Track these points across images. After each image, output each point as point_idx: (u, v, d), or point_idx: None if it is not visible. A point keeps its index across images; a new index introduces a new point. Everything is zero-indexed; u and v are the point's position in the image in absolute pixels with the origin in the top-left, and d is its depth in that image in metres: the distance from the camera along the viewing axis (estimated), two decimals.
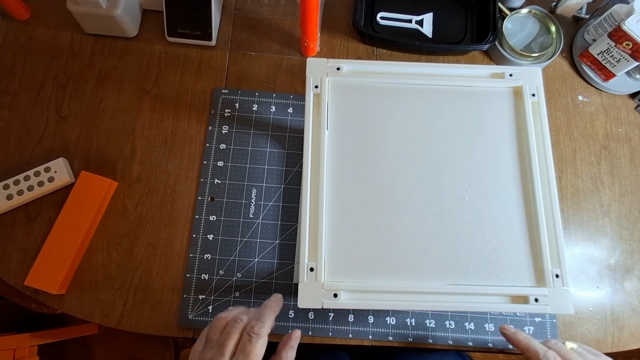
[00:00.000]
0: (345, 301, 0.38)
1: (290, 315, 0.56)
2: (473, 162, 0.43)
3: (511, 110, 0.45)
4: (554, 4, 0.70)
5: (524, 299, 0.39)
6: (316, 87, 0.43)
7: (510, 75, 0.45)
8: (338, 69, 0.44)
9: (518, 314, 0.52)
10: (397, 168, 0.43)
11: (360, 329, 0.55)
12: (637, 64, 0.62)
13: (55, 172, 0.58)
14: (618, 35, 0.61)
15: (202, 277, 0.57)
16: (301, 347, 0.67)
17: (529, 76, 0.45)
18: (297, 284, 0.57)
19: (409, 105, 0.44)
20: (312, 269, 0.39)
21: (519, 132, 0.44)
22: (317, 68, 0.44)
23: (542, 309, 0.39)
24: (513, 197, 0.43)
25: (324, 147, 0.42)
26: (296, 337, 0.41)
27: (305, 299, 0.38)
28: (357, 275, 0.40)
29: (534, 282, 0.40)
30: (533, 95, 0.45)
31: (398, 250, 0.41)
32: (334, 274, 0.40)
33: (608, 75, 0.66)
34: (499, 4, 0.67)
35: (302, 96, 0.65)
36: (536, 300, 0.39)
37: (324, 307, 0.38)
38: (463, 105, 0.45)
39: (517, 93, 0.45)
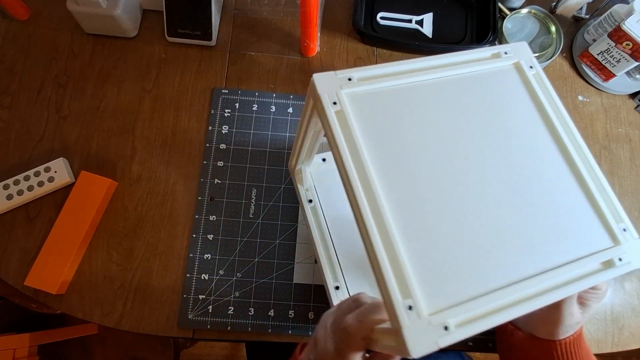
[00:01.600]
0: (459, 331, 0.33)
1: (290, 315, 0.56)
2: (511, 142, 0.42)
3: (521, 84, 0.45)
4: (554, 4, 0.70)
5: (610, 263, 0.38)
6: (334, 103, 0.40)
7: (506, 53, 0.45)
8: (349, 79, 0.41)
9: None
10: (447, 165, 0.40)
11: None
12: (637, 64, 0.62)
13: (55, 172, 0.58)
14: (618, 35, 0.61)
15: (202, 277, 0.57)
16: (295, 347, 0.67)
17: (520, 51, 0.46)
18: (296, 284, 0.57)
19: (429, 100, 0.43)
20: (410, 307, 0.33)
21: (536, 103, 0.44)
22: (327, 83, 0.40)
23: (628, 267, 0.38)
24: (556, 164, 0.42)
25: (368, 164, 0.38)
26: None
27: (418, 346, 0.31)
28: (454, 294, 0.35)
29: (610, 242, 0.39)
30: (531, 67, 0.45)
31: (480, 253, 0.37)
32: (433, 303, 0.34)
33: (608, 75, 0.66)
34: (499, 4, 0.67)
35: (302, 96, 0.65)
36: (620, 259, 0.38)
37: (440, 346, 0.32)
38: (479, 88, 0.44)
39: (518, 68, 0.46)
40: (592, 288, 0.42)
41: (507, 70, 0.45)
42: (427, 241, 0.36)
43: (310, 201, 0.57)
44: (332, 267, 0.54)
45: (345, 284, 0.53)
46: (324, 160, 0.59)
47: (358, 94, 0.41)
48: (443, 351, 0.63)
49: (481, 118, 0.43)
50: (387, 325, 0.34)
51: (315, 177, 0.58)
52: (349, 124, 0.39)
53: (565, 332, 0.45)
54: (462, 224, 0.38)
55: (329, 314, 0.42)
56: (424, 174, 0.39)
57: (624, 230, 0.39)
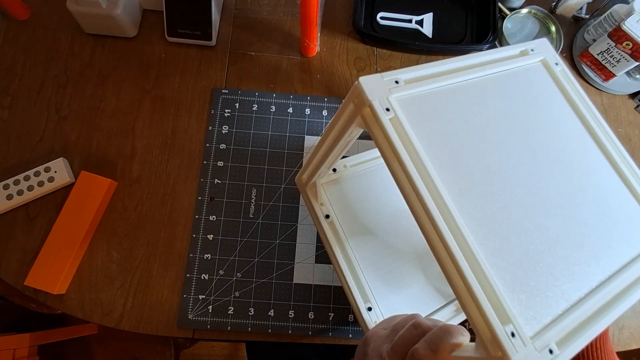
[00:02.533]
0: (565, 352, 0.30)
1: (290, 315, 0.56)
2: (555, 139, 0.41)
3: (551, 81, 0.45)
4: (554, 4, 0.70)
5: None
6: (387, 110, 0.36)
7: (532, 50, 0.45)
8: (396, 82, 0.38)
9: None
10: (506, 169, 0.38)
11: (361, 328, 0.55)
12: (637, 64, 0.62)
13: (55, 172, 0.58)
14: (618, 35, 0.61)
15: (202, 277, 0.57)
16: (296, 347, 0.67)
17: (544, 48, 0.45)
18: (296, 284, 0.57)
19: (473, 101, 0.41)
20: (513, 334, 0.30)
21: (568, 100, 0.44)
22: (376, 87, 0.37)
23: None
24: (599, 162, 0.41)
25: (435, 174, 0.34)
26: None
27: None
28: (548, 311, 0.32)
29: None
30: (557, 64, 0.45)
31: (557, 261, 0.34)
32: (533, 324, 0.31)
33: (608, 75, 0.66)
34: (499, 4, 0.68)
35: (302, 96, 0.65)
36: None
37: None
38: (515, 86, 0.43)
39: (546, 65, 0.45)
40: None
41: (535, 68, 0.45)
42: (508, 255, 0.33)
43: (327, 216, 0.53)
44: (360, 287, 0.50)
45: (377, 305, 0.50)
46: (334, 170, 0.55)
47: (406, 98, 0.38)
48: None
49: (522, 114, 0.41)
50: (469, 352, 0.31)
51: (328, 189, 0.55)
52: (407, 131, 0.36)
53: None
54: (535, 234, 0.35)
55: (379, 338, 0.38)
56: (490, 178, 0.36)
57: None
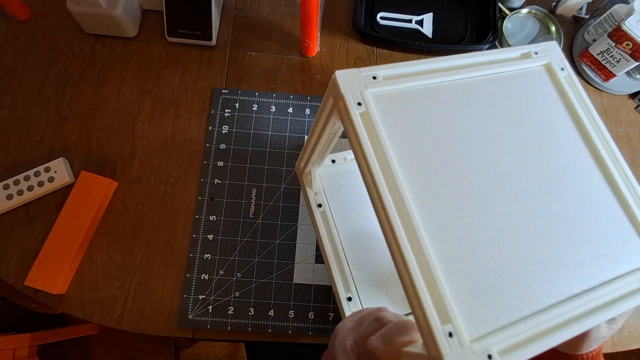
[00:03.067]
0: (504, 359, 0.30)
1: (290, 315, 0.56)
2: (545, 149, 0.39)
3: (552, 87, 0.42)
4: (554, 4, 0.70)
5: None
6: (359, 104, 0.36)
7: (536, 53, 0.43)
8: (374, 77, 0.38)
9: None
10: (481, 176, 0.36)
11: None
12: (637, 64, 0.62)
13: (55, 172, 0.58)
14: (618, 35, 0.61)
15: (202, 277, 0.57)
16: (296, 347, 0.67)
17: (551, 52, 0.43)
18: (296, 284, 0.57)
19: (457, 101, 0.40)
20: (450, 334, 0.30)
21: (568, 108, 0.42)
22: (351, 81, 0.37)
23: None
24: (593, 176, 0.39)
25: (397, 172, 0.34)
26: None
27: None
28: (497, 319, 0.32)
29: None
30: (562, 69, 0.42)
31: (520, 272, 0.33)
32: (475, 329, 0.31)
33: (608, 75, 0.66)
34: (499, 4, 0.68)
35: (302, 96, 0.65)
36: None
37: None
38: (508, 90, 0.41)
39: (549, 69, 0.43)
40: None
41: (537, 72, 0.43)
42: (465, 259, 0.33)
43: (320, 205, 0.54)
44: (343, 277, 0.51)
45: (358, 296, 0.51)
46: (333, 161, 0.57)
47: (383, 94, 0.38)
48: None
49: (512, 122, 0.39)
50: (418, 349, 0.32)
51: (325, 179, 0.56)
52: (375, 127, 0.35)
53: (590, 346, 0.42)
54: (502, 241, 0.34)
55: (345, 330, 0.39)
56: (459, 184, 0.35)
57: None
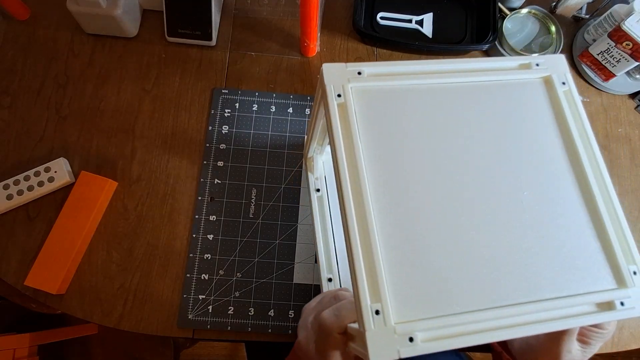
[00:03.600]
0: (424, 345, 0.32)
1: (290, 315, 0.56)
2: (521, 160, 0.39)
3: (546, 101, 0.41)
4: (554, 4, 0.70)
5: (609, 305, 0.35)
6: (339, 95, 0.38)
7: (537, 65, 0.42)
8: (359, 73, 0.39)
9: None
10: (447, 175, 0.38)
11: None
12: (637, 64, 0.62)
13: (55, 172, 0.58)
14: (618, 35, 0.61)
15: (202, 277, 0.57)
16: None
17: (555, 64, 0.42)
18: (296, 284, 0.57)
19: (441, 105, 0.40)
20: (377, 312, 0.32)
21: (560, 124, 0.41)
22: (336, 75, 0.39)
23: (629, 313, 0.34)
24: (569, 192, 0.38)
25: (362, 162, 0.36)
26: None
27: (378, 352, 0.31)
28: (428, 308, 0.33)
29: (614, 283, 0.36)
30: (563, 83, 0.41)
31: (468, 271, 0.35)
32: (403, 313, 0.33)
33: (608, 75, 0.66)
34: (499, 4, 0.67)
35: (302, 96, 0.65)
36: (622, 304, 0.34)
37: (402, 356, 0.31)
38: (496, 99, 0.41)
39: (548, 82, 0.42)
40: (596, 327, 0.39)
41: (533, 83, 0.42)
42: (411, 251, 0.35)
43: (318, 190, 0.57)
44: (328, 258, 0.54)
45: (338, 277, 0.53)
46: None
47: (367, 90, 0.39)
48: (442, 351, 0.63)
49: (495, 132, 0.40)
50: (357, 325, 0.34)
51: (328, 167, 0.58)
52: (350, 119, 0.37)
53: None
54: (454, 240, 0.36)
55: (309, 309, 0.42)
56: (422, 183, 0.37)
57: (635, 273, 0.36)
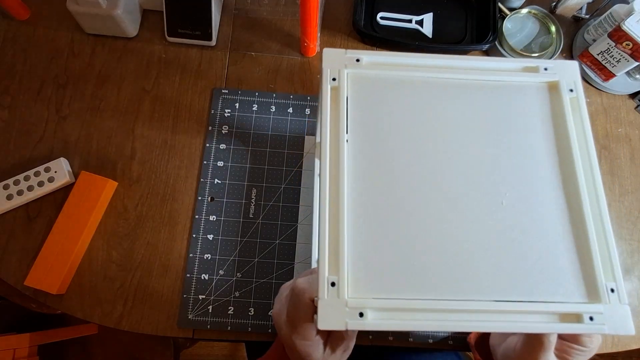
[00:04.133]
0: (373, 321, 0.33)
1: None
2: (509, 163, 0.39)
3: (547, 106, 0.41)
4: (554, 4, 0.70)
5: (576, 317, 0.34)
6: (334, 79, 0.39)
7: (545, 69, 0.41)
8: (357, 60, 0.40)
9: None
10: (426, 167, 0.38)
11: None
12: (637, 64, 0.62)
13: (55, 172, 0.58)
14: (618, 35, 0.61)
15: (202, 277, 0.57)
16: None
17: (565, 70, 0.41)
18: None
19: (436, 100, 0.40)
20: (333, 284, 0.34)
21: (558, 131, 0.40)
22: (334, 59, 0.40)
23: (598, 328, 0.34)
24: (556, 201, 0.38)
25: (344, 144, 0.37)
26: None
27: (327, 319, 0.33)
28: (386, 290, 0.34)
29: (586, 297, 0.35)
30: (571, 90, 0.41)
31: (434, 262, 0.36)
32: (359, 290, 0.34)
33: (608, 75, 0.66)
34: (499, 4, 0.67)
35: (302, 96, 0.65)
36: (591, 318, 0.34)
37: (349, 328, 0.32)
38: (494, 100, 0.40)
39: (553, 88, 0.41)
40: (577, 343, 0.37)
41: (536, 88, 0.41)
42: (380, 234, 0.36)
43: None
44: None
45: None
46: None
47: (363, 77, 0.40)
48: (441, 351, 0.63)
49: (488, 131, 0.39)
50: None
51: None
52: (341, 103, 0.39)
53: None
54: (424, 229, 0.36)
55: (286, 286, 0.43)
56: (402, 173, 0.38)
57: (612, 290, 0.35)
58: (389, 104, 0.40)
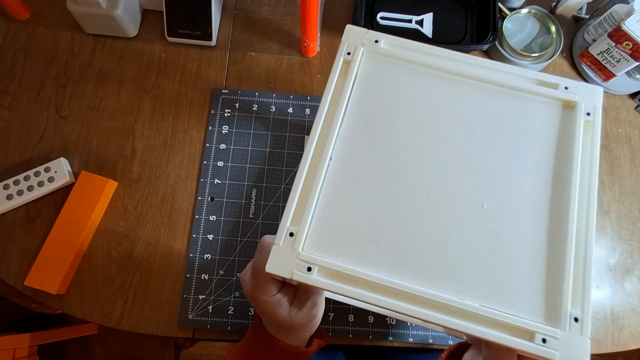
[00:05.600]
0: (317, 279, 0.34)
1: None
2: (501, 169, 0.38)
3: (556, 124, 0.40)
4: (554, 4, 0.70)
5: (528, 335, 0.33)
6: (348, 53, 0.41)
7: (566, 88, 0.41)
8: (376, 41, 0.41)
9: None
10: (416, 153, 0.39)
11: (361, 328, 0.55)
12: (637, 64, 0.62)
13: (55, 172, 0.58)
14: (618, 35, 0.61)
15: (202, 277, 0.57)
16: None
17: (588, 94, 0.40)
18: None
19: (444, 94, 0.41)
20: (292, 234, 0.35)
21: (560, 149, 0.39)
22: (354, 36, 0.42)
23: (548, 353, 0.32)
24: (540, 218, 0.37)
25: (341, 113, 0.39)
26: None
27: (275, 264, 0.34)
28: (341, 255, 0.35)
29: (544, 319, 0.34)
30: (588, 114, 0.40)
31: (397, 241, 0.36)
32: (315, 247, 0.35)
33: (608, 75, 0.66)
34: (499, 4, 0.67)
35: (302, 96, 0.65)
36: (544, 340, 0.33)
37: (293, 278, 0.33)
38: (503, 106, 0.40)
39: (569, 107, 0.40)
40: None
41: (550, 103, 0.41)
42: (349, 199, 0.37)
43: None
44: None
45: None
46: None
47: (377, 58, 0.42)
48: (441, 351, 0.63)
49: (488, 135, 0.39)
50: None
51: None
52: (349, 76, 0.40)
53: None
54: (398, 209, 0.37)
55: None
56: (392, 149, 0.39)
57: (576, 320, 0.34)
58: (396, 88, 0.41)
